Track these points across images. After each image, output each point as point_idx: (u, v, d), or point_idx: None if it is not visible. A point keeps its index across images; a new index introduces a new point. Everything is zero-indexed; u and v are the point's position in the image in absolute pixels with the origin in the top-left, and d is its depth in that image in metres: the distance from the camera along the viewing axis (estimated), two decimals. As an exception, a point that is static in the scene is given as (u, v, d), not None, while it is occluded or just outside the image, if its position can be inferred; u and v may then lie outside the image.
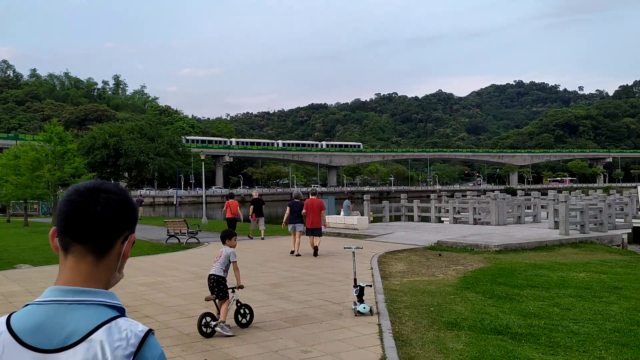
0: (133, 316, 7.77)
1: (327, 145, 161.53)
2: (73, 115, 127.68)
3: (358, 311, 8.11)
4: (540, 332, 7.10)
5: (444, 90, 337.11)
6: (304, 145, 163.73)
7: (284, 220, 16.58)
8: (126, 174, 51.45)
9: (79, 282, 1.34)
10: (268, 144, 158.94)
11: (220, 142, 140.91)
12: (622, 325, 7.41)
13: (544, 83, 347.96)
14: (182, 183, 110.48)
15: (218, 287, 7.45)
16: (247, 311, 7.70)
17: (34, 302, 1.32)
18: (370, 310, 8.13)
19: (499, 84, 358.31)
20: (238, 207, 21.05)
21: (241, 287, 7.74)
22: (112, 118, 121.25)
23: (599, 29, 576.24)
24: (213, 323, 7.19)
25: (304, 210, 15.96)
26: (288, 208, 16.53)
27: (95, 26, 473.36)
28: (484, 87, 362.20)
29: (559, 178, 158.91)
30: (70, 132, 60.15)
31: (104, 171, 49.54)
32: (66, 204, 1.37)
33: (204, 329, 7.12)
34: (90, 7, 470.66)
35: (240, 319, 7.62)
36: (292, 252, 16.08)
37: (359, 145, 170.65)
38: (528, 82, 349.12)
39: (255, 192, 23.21)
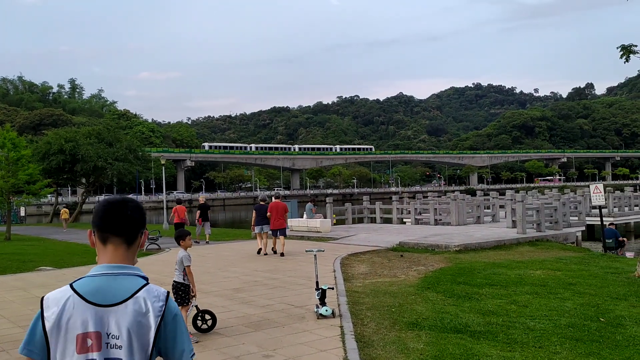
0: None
1: (342, 149, 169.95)
2: (27, 120, 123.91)
3: (320, 314, 8.11)
4: (498, 329, 7.25)
5: (404, 93, 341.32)
6: (319, 149, 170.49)
7: (252, 223, 17.36)
8: (83, 180, 50.22)
9: (118, 262, 2.01)
10: (286, 148, 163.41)
11: (241, 147, 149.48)
12: (576, 321, 7.63)
13: (501, 85, 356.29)
14: (143, 188, 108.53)
15: (176, 293, 7.34)
16: (209, 316, 7.58)
17: (88, 275, 1.97)
18: (333, 313, 8.15)
19: (458, 86, 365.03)
20: (185, 212, 21.90)
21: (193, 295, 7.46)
22: (68, 123, 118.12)
23: (552, 34, 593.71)
24: None
25: (268, 213, 16.77)
26: (254, 211, 17.30)
27: (49, 28, 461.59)
28: (443, 89, 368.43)
29: (550, 177, 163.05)
30: (25, 137, 58.37)
31: (60, 177, 48.16)
32: (105, 211, 2.05)
33: None
34: (43, 9, 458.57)
35: (200, 324, 7.51)
36: (259, 251, 16.84)
37: (371, 148, 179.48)
38: (486, 85, 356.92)
39: (201, 198, 24.24)
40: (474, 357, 6.08)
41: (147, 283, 1.98)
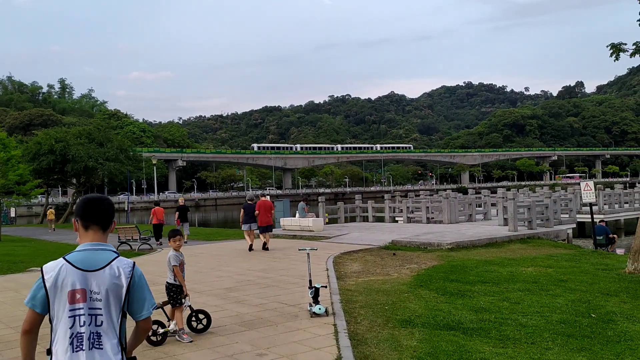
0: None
1: (381, 148, 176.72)
2: (17, 121, 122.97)
3: (314, 312, 8.12)
4: (490, 326, 7.28)
5: (396, 92, 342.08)
6: (359, 148, 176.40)
7: (240, 221, 18.31)
8: (74, 181, 49.89)
9: (97, 241, 2.81)
10: (328, 148, 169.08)
11: (286, 147, 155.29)
12: (568, 317, 7.69)
13: (492, 84, 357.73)
14: (134, 188, 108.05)
15: (168, 294, 7.31)
16: (203, 316, 7.52)
17: (76, 250, 2.76)
18: (326, 311, 8.16)
19: (449, 85, 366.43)
20: (163, 214, 23.01)
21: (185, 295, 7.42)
22: (58, 123, 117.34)
23: (543, 32, 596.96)
24: (162, 330, 7.03)
25: (256, 211, 17.88)
26: (242, 210, 18.33)
27: (39, 28, 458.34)
28: (435, 88, 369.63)
29: (570, 175, 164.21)
30: (14, 138, 57.92)
31: (50, 178, 47.83)
32: (87, 204, 2.88)
33: (153, 338, 6.95)
34: (34, 9, 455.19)
35: (194, 324, 7.48)
36: (250, 248, 17.50)
37: (409, 147, 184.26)
38: (477, 84, 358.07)
39: (181, 200, 24.93)
40: (467, 354, 6.11)
41: (118, 255, 2.82)
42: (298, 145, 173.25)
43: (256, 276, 12.38)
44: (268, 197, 23.70)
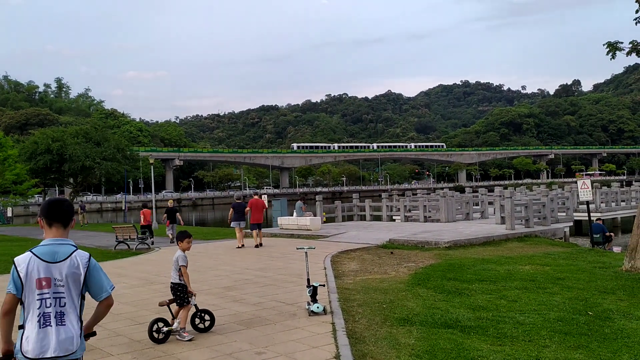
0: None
1: (416, 146, 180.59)
2: (14, 120, 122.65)
3: (312, 311, 8.13)
4: (488, 324, 7.31)
5: (393, 91, 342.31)
6: (394, 146, 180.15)
7: (229, 219, 19.13)
8: (71, 180, 49.75)
9: (59, 237, 3.40)
10: (365, 146, 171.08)
11: (325, 147, 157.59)
12: (565, 315, 7.72)
13: (488, 83, 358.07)
14: (131, 188, 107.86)
15: (175, 293, 7.29)
16: (208, 316, 7.51)
17: (41, 245, 3.33)
18: (324, 310, 8.18)
19: (446, 84, 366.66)
20: (151, 215, 23.85)
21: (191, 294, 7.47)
22: (55, 122, 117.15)
23: (539, 31, 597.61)
24: (165, 329, 7.05)
25: (247, 208, 18.90)
26: (232, 209, 19.12)
27: (34, 28, 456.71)
28: (432, 87, 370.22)
29: (589, 172, 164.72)
30: (11, 137, 57.84)
31: (47, 177, 47.67)
32: (50, 205, 3.48)
33: (156, 335, 6.97)
34: (28, 8, 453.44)
35: (198, 323, 7.45)
36: (241, 246, 18.41)
37: (443, 145, 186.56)
38: (474, 82, 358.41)
39: (170, 202, 25.63)
40: (465, 352, 6.13)
41: (77, 249, 3.40)
42: (336, 145, 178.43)
43: (254, 275, 12.39)
44: (265, 196, 24.08)
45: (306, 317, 8.04)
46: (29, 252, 3.31)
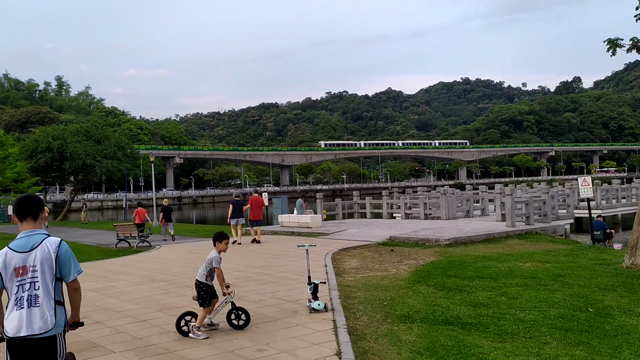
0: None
1: (441, 144, 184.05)
2: (14, 118, 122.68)
3: (313, 308, 8.15)
4: (489, 321, 7.32)
5: (393, 88, 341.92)
6: (420, 144, 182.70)
7: (228, 216, 19.53)
8: (72, 178, 49.78)
9: (31, 229, 3.85)
10: (390, 143, 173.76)
11: (352, 144, 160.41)
12: (566, 312, 7.73)
13: (489, 80, 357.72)
14: (132, 186, 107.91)
15: (198, 293, 7.22)
16: (244, 316, 7.36)
17: (17, 238, 3.82)
18: (325, 307, 8.19)
19: (446, 81, 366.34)
20: (146, 214, 23.89)
21: (225, 294, 7.37)
22: (55, 120, 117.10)
23: (539, 27, 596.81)
24: (193, 322, 7.03)
25: (248, 205, 19.59)
26: (231, 206, 19.65)
27: (34, 26, 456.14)
28: (432, 84, 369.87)
29: (605, 168, 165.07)
30: (12, 135, 57.84)
31: (48, 175, 47.69)
32: (18, 203, 3.91)
33: (184, 328, 7.01)
34: (27, 6, 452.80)
35: (233, 319, 7.35)
36: (234, 242, 18.73)
37: (466, 142, 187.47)
38: (474, 80, 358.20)
39: (165, 201, 26.43)
40: (466, 348, 6.14)
41: (48, 236, 3.84)
42: (362, 142, 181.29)
43: (255, 273, 12.41)
44: (266, 194, 24.40)
45: (307, 315, 8.06)
46: (6, 247, 3.78)
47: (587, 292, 9.00)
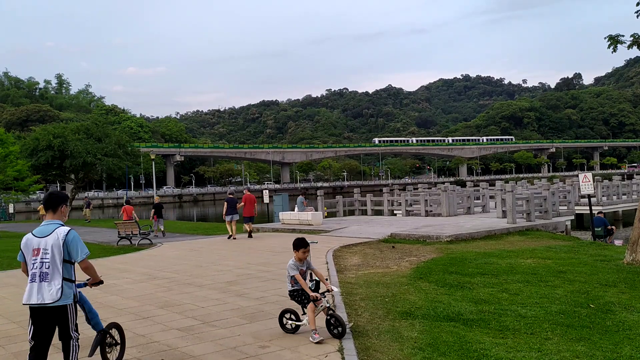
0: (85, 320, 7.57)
1: (451, 140, 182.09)
2: (14, 117, 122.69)
3: (314, 305, 8.13)
4: (490, 317, 7.34)
5: (393, 85, 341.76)
6: (468, 140, 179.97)
7: (224, 213, 20.44)
8: (73, 176, 49.80)
9: (50, 219, 5.02)
10: (440, 140, 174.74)
11: (404, 141, 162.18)
12: (567, 308, 7.74)
13: (489, 77, 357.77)
14: (132, 184, 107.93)
15: (293, 299, 7.06)
16: (340, 328, 6.69)
17: (40, 226, 5.00)
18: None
19: (446, 78, 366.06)
20: (133, 212, 24.06)
21: (317, 296, 6.86)
22: (55, 118, 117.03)
23: (540, 24, 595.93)
24: (294, 322, 6.94)
25: (242, 203, 20.62)
26: (225, 203, 20.56)
27: (34, 24, 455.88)
28: (432, 81, 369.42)
29: (635, 164, 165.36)
30: (12, 134, 57.81)
31: (49, 173, 47.66)
32: (45, 197, 5.17)
33: (287, 327, 6.96)
34: (27, 4, 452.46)
35: (332, 329, 6.76)
36: (230, 236, 20.03)
37: (511, 138, 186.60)
38: (474, 76, 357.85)
39: (156, 198, 26.81)
40: (467, 345, 6.16)
41: (61, 225, 4.91)
42: (413, 139, 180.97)
43: (256, 270, 12.43)
44: (266, 191, 24.69)
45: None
46: (30, 232, 4.96)
47: (588, 288, 9.01)
